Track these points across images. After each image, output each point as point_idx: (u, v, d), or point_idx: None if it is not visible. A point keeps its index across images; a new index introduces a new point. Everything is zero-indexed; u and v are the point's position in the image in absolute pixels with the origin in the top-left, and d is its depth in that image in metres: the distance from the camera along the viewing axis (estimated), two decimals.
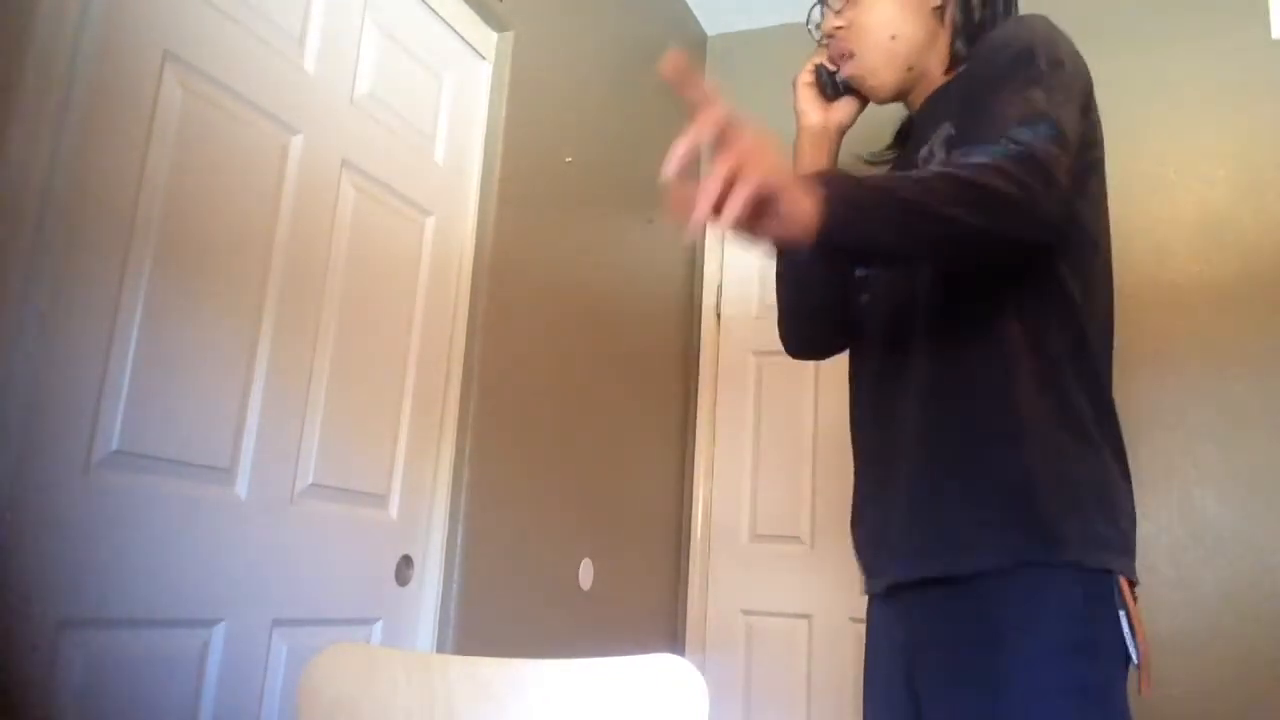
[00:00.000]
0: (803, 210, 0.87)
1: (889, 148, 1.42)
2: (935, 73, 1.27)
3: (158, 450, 1.36)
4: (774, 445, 2.98)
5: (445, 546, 1.93)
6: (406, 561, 1.86)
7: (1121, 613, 1.03)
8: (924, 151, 1.22)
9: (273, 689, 1.54)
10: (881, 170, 1.43)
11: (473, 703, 0.92)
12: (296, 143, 1.62)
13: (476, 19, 2.12)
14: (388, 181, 1.84)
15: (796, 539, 2.89)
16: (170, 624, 1.38)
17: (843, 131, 1.38)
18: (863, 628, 1.29)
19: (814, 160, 1.35)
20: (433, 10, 1.99)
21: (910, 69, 1.26)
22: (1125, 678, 1.03)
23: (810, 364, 2.92)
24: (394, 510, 1.85)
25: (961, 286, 1.14)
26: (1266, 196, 2.53)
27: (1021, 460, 1.07)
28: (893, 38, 1.24)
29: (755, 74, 3.24)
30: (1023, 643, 1.02)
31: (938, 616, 1.10)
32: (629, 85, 2.79)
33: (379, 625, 1.79)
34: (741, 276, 3.08)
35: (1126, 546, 1.08)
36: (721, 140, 0.87)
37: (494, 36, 2.18)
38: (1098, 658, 1.02)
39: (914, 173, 1.07)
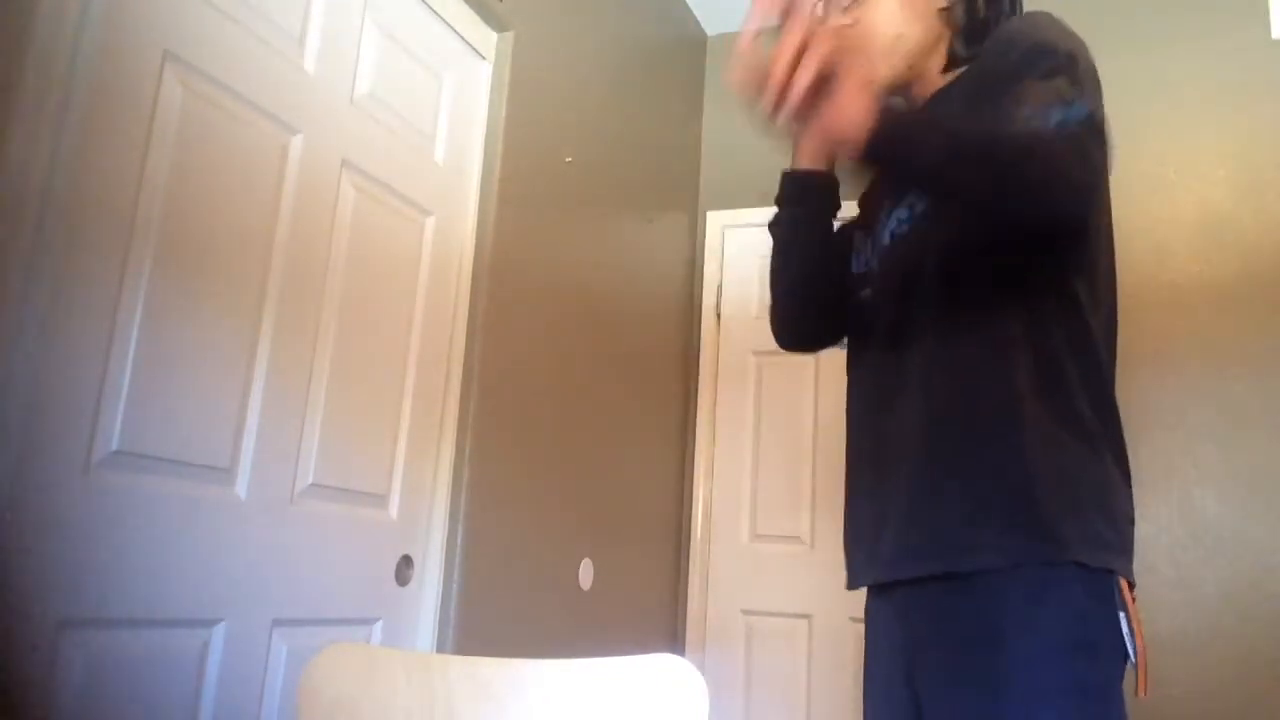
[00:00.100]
0: (860, 103, 0.92)
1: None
2: (933, 73, 1.26)
3: (158, 450, 1.36)
4: (774, 445, 2.98)
5: (445, 546, 1.93)
6: (406, 561, 1.86)
7: (1121, 613, 1.03)
8: None
9: (273, 689, 1.54)
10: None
11: (473, 703, 0.92)
12: (296, 143, 1.62)
13: (476, 19, 2.12)
14: (388, 181, 1.84)
15: (796, 539, 2.89)
16: (170, 624, 1.38)
17: None
18: (863, 627, 1.28)
19: (816, 153, 1.33)
20: (433, 10, 1.99)
21: (910, 68, 1.25)
22: (1123, 678, 1.03)
23: (810, 364, 2.93)
24: (394, 510, 1.85)
25: (965, 284, 1.14)
26: (1266, 196, 2.54)
27: (1023, 459, 1.07)
28: (898, 37, 1.24)
29: None
30: (1023, 642, 1.01)
31: (937, 615, 1.10)
32: (629, 85, 2.79)
33: (379, 625, 1.79)
34: (741, 276, 3.08)
35: (1125, 547, 1.08)
36: (788, 17, 0.93)
37: (494, 36, 2.18)
38: (1098, 657, 1.02)
39: (963, 119, 1.08)
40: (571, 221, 2.45)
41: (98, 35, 1.29)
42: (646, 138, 2.90)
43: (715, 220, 3.19)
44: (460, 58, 2.08)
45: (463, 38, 2.08)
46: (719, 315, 3.11)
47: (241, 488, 1.50)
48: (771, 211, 1.37)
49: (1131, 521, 1.11)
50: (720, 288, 3.12)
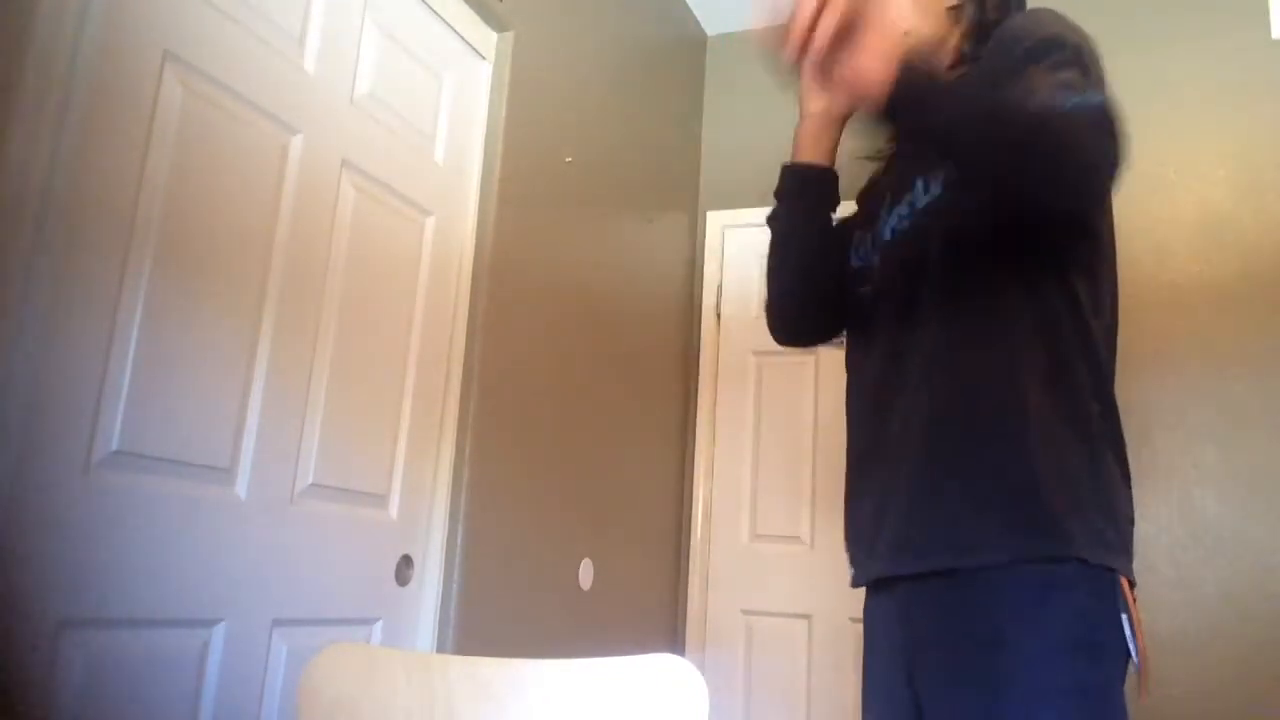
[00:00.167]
0: (883, 53, 0.93)
1: (891, 140, 1.39)
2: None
3: (158, 450, 1.36)
4: (774, 445, 2.98)
5: (445, 546, 1.93)
6: (406, 561, 1.86)
7: (1123, 613, 1.03)
8: None
9: (273, 689, 1.54)
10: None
11: (473, 703, 0.92)
12: (296, 143, 1.62)
13: (476, 19, 2.12)
14: (388, 181, 1.84)
15: (796, 539, 2.89)
16: (170, 624, 1.38)
17: (846, 118, 1.34)
18: (863, 627, 1.28)
19: (817, 147, 1.33)
20: (433, 10, 1.99)
21: None
22: (1124, 678, 1.03)
23: (810, 364, 2.93)
24: (394, 510, 1.85)
25: (971, 280, 1.13)
26: (1266, 196, 2.54)
27: (1026, 457, 1.06)
28: (906, 34, 1.23)
29: (755, 74, 3.24)
30: (1024, 641, 1.01)
31: (938, 613, 1.09)
32: (629, 85, 2.79)
33: (379, 625, 1.79)
34: (741, 276, 3.08)
35: (1126, 547, 1.08)
36: None
37: (494, 36, 2.18)
38: (1100, 657, 1.02)
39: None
40: (571, 221, 2.45)
41: (98, 35, 1.29)
42: (646, 138, 2.90)
43: (715, 220, 3.19)
44: (460, 58, 2.08)
45: (463, 38, 2.08)
46: (719, 315, 3.11)
47: (241, 488, 1.50)
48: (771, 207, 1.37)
49: (1131, 521, 1.11)
50: (720, 288, 3.12)
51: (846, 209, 1.39)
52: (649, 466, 2.85)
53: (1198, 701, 2.26)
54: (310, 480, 1.63)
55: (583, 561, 2.41)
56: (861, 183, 1.42)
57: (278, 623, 1.55)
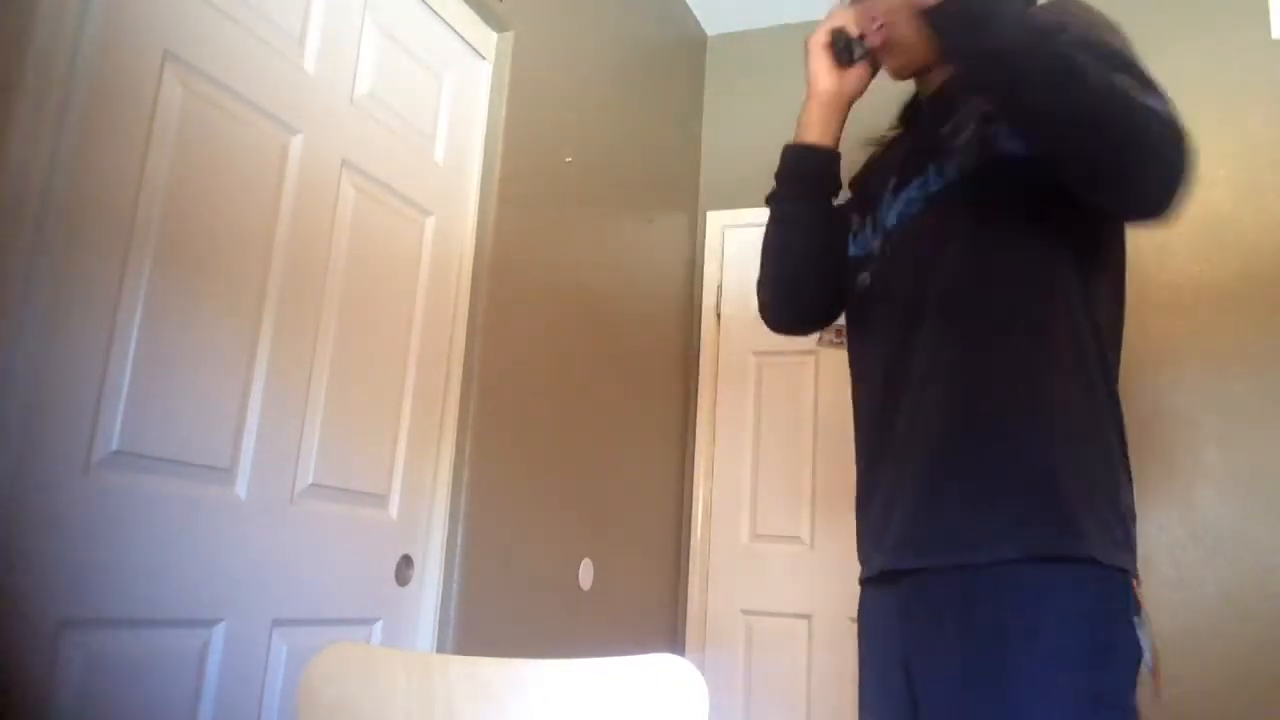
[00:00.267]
0: None
1: (893, 127, 1.37)
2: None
3: (158, 450, 1.36)
4: (774, 445, 2.98)
5: (445, 546, 1.93)
6: (406, 561, 1.86)
7: (1135, 615, 1.01)
8: (948, 127, 1.18)
9: (273, 689, 1.54)
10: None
11: (473, 703, 0.92)
12: (296, 143, 1.62)
13: (476, 19, 2.12)
14: (388, 181, 1.84)
15: (796, 539, 2.89)
16: (170, 624, 1.38)
17: (853, 101, 1.31)
18: (857, 624, 1.26)
19: (824, 129, 1.29)
20: (433, 10, 1.99)
21: (934, 55, 1.19)
22: (1135, 680, 1.01)
23: (810, 364, 2.93)
24: (394, 510, 1.85)
25: (992, 269, 1.11)
26: (1266, 196, 2.53)
27: (1041, 453, 1.04)
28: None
29: (755, 74, 3.24)
30: (1035, 644, 0.99)
31: (942, 609, 1.06)
32: (629, 85, 2.79)
33: (379, 625, 1.79)
34: (741, 276, 3.08)
35: (1132, 545, 1.07)
36: None
37: (494, 36, 2.18)
38: (1112, 661, 1.00)
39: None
40: (571, 221, 2.45)
41: (98, 35, 1.29)
42: (646, 138, 2.90)
43: (715, 220, 3.19)
44: (460, 58, 2.08)
45: (463, 38, 2.08)
46: (719, 315, 3.11)
47: (241, 488, 1.50)
48: None
49: (1134, 518, 1.10)
50: (720, 288, 3.12)
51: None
52: (649, 466, 2.85)
53: (1197, 701, 2.26)
54: (310, 480, 1.63)
55: (583, 561, 2.41)
56: (854, 168, 1.39)
57: (278, 623, 1.55)
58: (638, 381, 2.78)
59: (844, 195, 1.37)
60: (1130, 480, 1.11)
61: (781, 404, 2.98)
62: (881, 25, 1.24)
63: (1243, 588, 2.37)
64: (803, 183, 1.31)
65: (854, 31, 1.27)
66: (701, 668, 0.86)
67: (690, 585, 2.98)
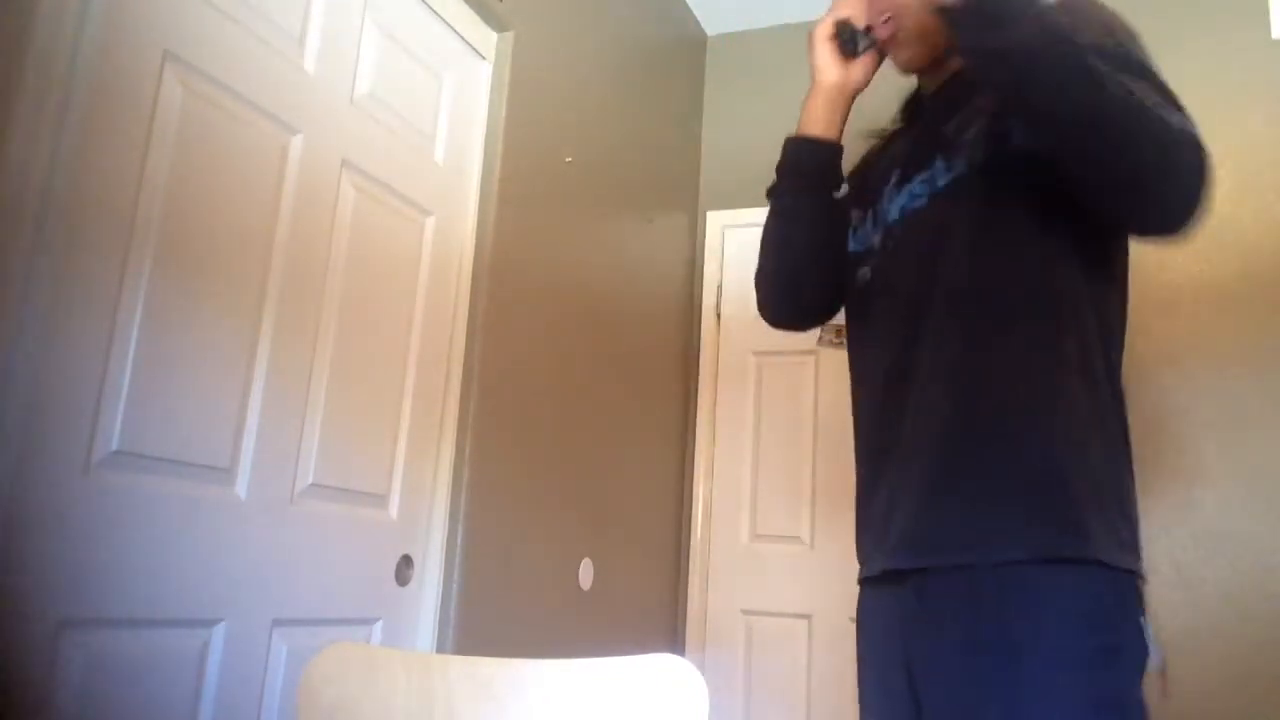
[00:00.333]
0: None
1: (894, 122, 1.35)
2: (956, 59, 1.19)
3: (158, 450, 1.36)
4: (774, 445, 2.98)
5: (445, 546, 1.93)
6: (406, 561, 1.86)
7: (1141, 616, 1.00)
8: (955, 122, 1.16)
9: (273, 689, 1.54)
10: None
11: (473, 703, 0.92)
12: (296, 143, 1.62)
13: (476, 19, 2.12)
14: (388, 181, 1.84)
15: (796, 539, 2.89)
16: (170, 624, 1.38)
17: (857, 93, 1.29)
18: (856, 624, 1.24)
19: (828, 121, 1.27)
20: (433, 10, 1.99)
21: (948, 47, 1.18)
22: (1142, 681, 1.00)
23: (810, 364, 2.93)
24: (394, 510, 1.85)
25: (999, 266, 1.09)
26: (1266, 197, 2.54)
27: (1051, 452, 1.03)
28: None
29: (755, 74, 3.24)
30: (1040, 646, 0.97)
31: (947, 610, 1.04)
32: (629, 85, 2.79)
33: (379, 625, 1.79)
34: (741, 276, 3.07)
35: (1138, 546, 1.05)
36: None
37: (494, 36, 2.18)
38: (1119, 663, 0.98)
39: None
40: (571, 221, 2.45)
41: (98, 35, 1.29)
42: (646, 138, 2.90)
43: (715, 220, 3.20)
44: (460, 58, 2.08)
45: (463, 38, 2.08)
46: (719, 315, 3.11)
47: (241, 488, 1.50)
48: None
49: (1138, 518, 1.09)
50: (720, 288, 3.12)
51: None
52: (649, 466, 2.85)
53: (1197, 701, 2.26)
54: (310, 480, 1.63)
55: (583, 561, 2.41)
56: (852, 161, 1.37)
57: (278, 623, 1.55)
58: (638, 381, 2.78)
59: (842, 189, 1.34)
60: (1133, 481, 1.10)
61: (781, 404, 2.98)
62: (889, 18, 1.22)
63: (1243, 588, 2.37)
64: (805, 176, 1.29)
65: (859, 23, 1.26)
66: (701, 668, 0.86)
67: (690, 585, 2.98)
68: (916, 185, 1.18)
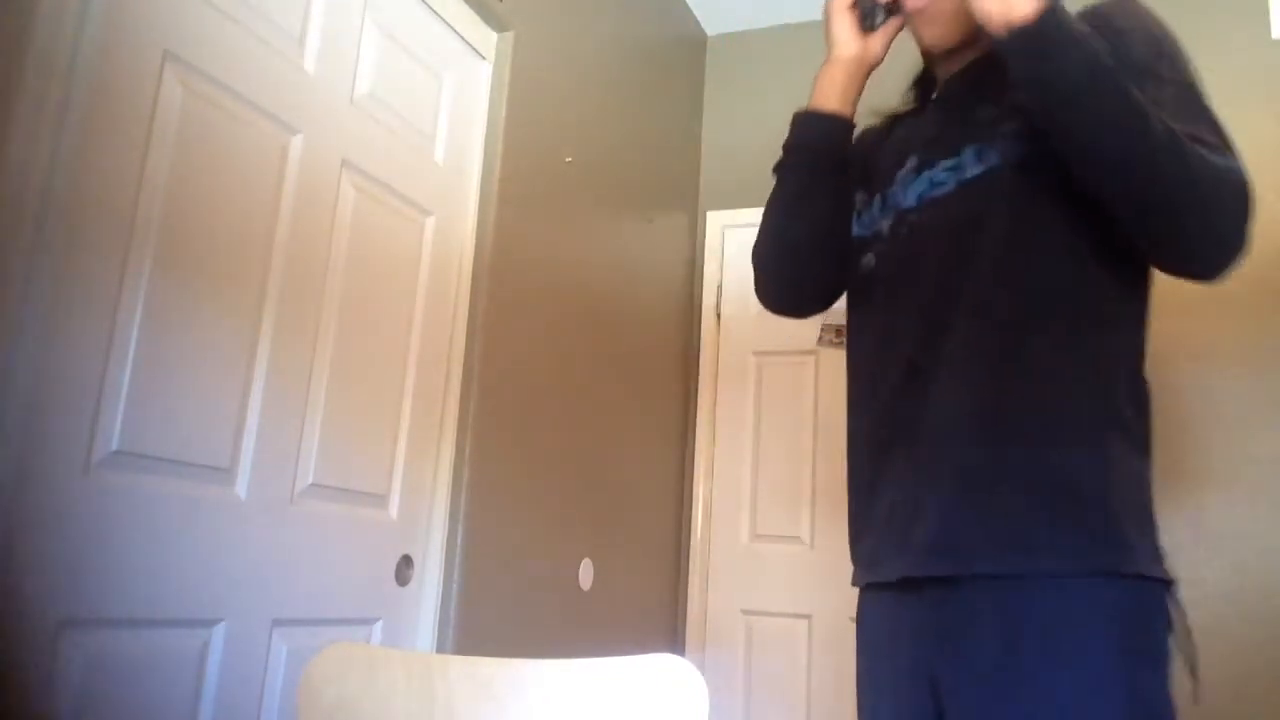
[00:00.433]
0: None
1: (906, 103, 1.30)
2: (986, 40, 1.09)
3: (158, 450, 1.36)
4: (774, 445, 2.98)
5: (445, 546, 1.93)
6: (406, 561, 1.86)
7: (1178, 626, 0.99)
8: (986, 113, 1.12)
9: (273, 689, 1.54)
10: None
11: (473, 703, 0.92)
12: (296, 143, 1.62)
13: (476, 19, 2.12)
14: (388, 181, 1.84)
15: (796, 539, 2.89)
16: (170, 624, 1.38)
17: (873, 68, 1.23)
18: (857, 629, 1.19)
19: (845, 96, 1.20)
20: (433, 10, 1.99)
21: (975, 31, 1.10)
22: (1173, 690, 0.98)
23: (810, 364, 2.93)
24: (394, 510, 1.85)
25: (1026, 266, 1.05)
26: (1266, 197, 2.51)
27: (1094, 458, 0.99)
28: None
29: (755, 74, 3.24)
30: (1080, 659, 0.94)
31: (980, 621, 0.99)
32: (629, 85, 2.79)
33: (379, 625, 1.79)
34: (741, 276, 3.07)
35: (1165, 555, 1.03)
36: None
37: (494, 36, 2.18)
38: (1161, 675, 0.97)
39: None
40: (571, 221, 2.45)
41: (98, 35, 1.29)
42: (646, 138, 2.90)
43: (715, 220, 3.20)
44: (460, 58, 2.08)
45: (463, 38, 2.08)
46: (719, 315, 3.11)
47: (241, 488, 1.50)
48: None
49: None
50: (720, 288, 3.12)
51: None
52: (649, 466, 2.85)
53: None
54: (310, 480, 1.63)
55: (583, 561, 2.41)
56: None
57: (278, 623, 1.55)
58: (638, 381, 2.78)
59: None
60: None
61: (781, 404, 2.98)
62: None
63: (1244, 588, 2.37)
64: (818, 153, 1.22)
65: None
66: (701, 668, 0.86)
67: (690, 585, 2.98)
68: (939, 173, 1.12)
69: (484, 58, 2.15)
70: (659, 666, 0.87)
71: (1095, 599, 0.96)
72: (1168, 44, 1.06)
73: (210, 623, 1.44)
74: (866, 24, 1.22)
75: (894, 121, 1.29)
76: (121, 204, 1.32)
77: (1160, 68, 1.02)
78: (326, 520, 1.67)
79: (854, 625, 1.20)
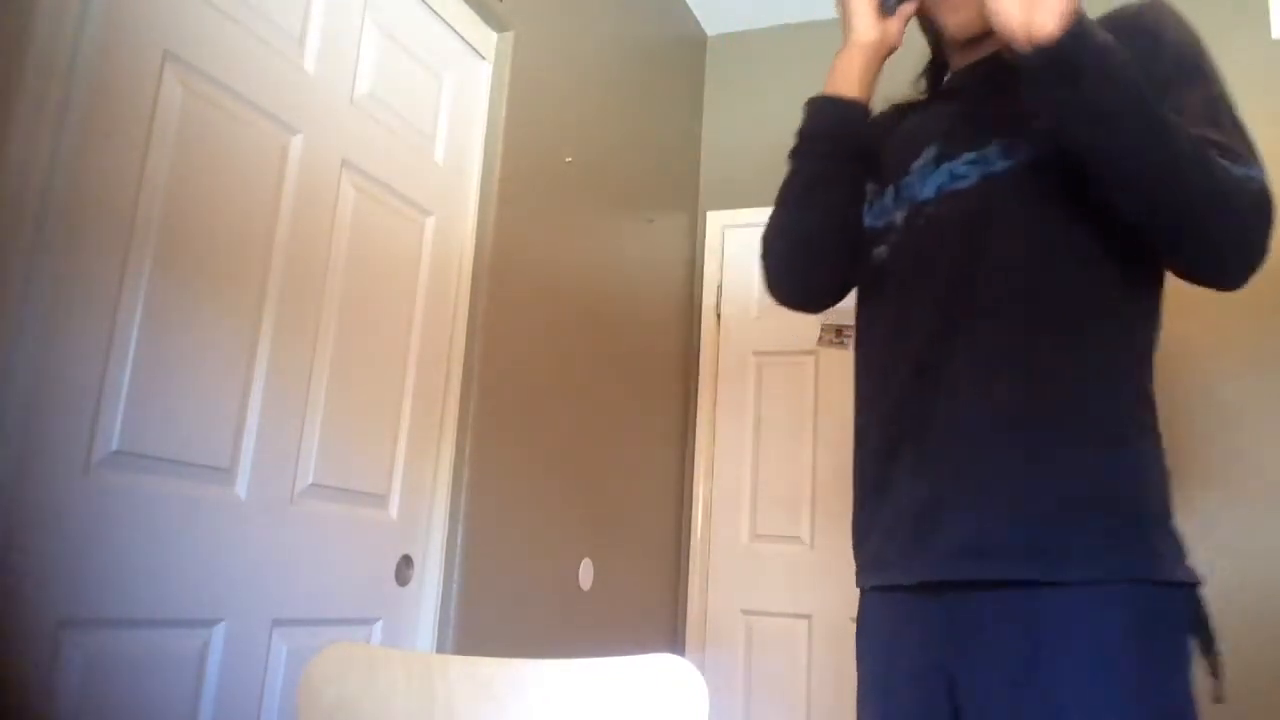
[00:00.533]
0: (1063, 2, 0.85)
1: (921, 92, 1.28)
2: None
3: (158, 450, 1.36)
4: (774, 445, 2.98)
5: (445, 546, 1.93)
6: (406, 561, 1.86)
7: (1205, 627, 0.97)
8: (1012, 106, 1.06)
9: (273, 689, 1.54)
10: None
11: (473, 703, 0.92)
12: (296, 143, 1.62)
13: (476, 19, 2.12)
14: (388, 181, 1.84)
15: (796, 539, 2.89)
16: (170, 624, 1.38)
17: (890, 54, 1.20)
18: (859, 631, 1.16)
19: (863, 81, 1.17)
20: (433, 10, 1.99)
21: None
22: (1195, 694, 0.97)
23: (810, 363, 2.93)
24: (394, 510, 1.85)
25: (1051, 264, 1.03)
26: None
27: (1130, 458, 0.98)
28: None
29: (755, 74, 3.24)
30: (1114, 667, 0.93)
31: (1005, 622, 0.97)
32: (629, 85, 2.79)
33: (379, 625, 1.79)
34: (741, 276, 3.08)
35: (1187, 552, 1.02)
36: None
37: (494, 36, 2.18)
38: (1185, 679, 0.95)
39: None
40: (571, 221, 2.45)
41: (98, 35, 1.29)
42: (646, 138, 2.90)
43: (715, 220, 3.20)
44: (460, 58, 2.08)
45: (463, 38, 2.08)
46: (719, 315, 3.11)
47: (241, 488, 1.50)
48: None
49: None
50: (720, 288, 3.12)
51: None
52: (649, 466, 2.85)
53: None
54: (310, 480, 1.63)
55: (583, 561, 2.41)
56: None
57: (278, 623, 1.55)
58: (638, 381, 2.78)
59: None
60: None
61: (781, 404, 2.98)
62: None
63: (1244, 588, 2.37)
64: (835, 140, 1.18)
65: None
66: (701, 668, 0.86)
67: (690, 585, 2.98)
68: (960, 165, 1.09)
69: (484, 58, 2.15)
70: (659, 666, 0.87)
71: (1124, 604, 0.95)
72: (1197, 49, 1.04)
73: (210, 623, 1.44)
74: (886, 8, 1.19)
75: (903, 111, 1.26)
76: (121, 204, 1.32)
77: (1188, 73, 1.01)
78: (326, 520, 1.67)
79: (854, 625, 1.17)
